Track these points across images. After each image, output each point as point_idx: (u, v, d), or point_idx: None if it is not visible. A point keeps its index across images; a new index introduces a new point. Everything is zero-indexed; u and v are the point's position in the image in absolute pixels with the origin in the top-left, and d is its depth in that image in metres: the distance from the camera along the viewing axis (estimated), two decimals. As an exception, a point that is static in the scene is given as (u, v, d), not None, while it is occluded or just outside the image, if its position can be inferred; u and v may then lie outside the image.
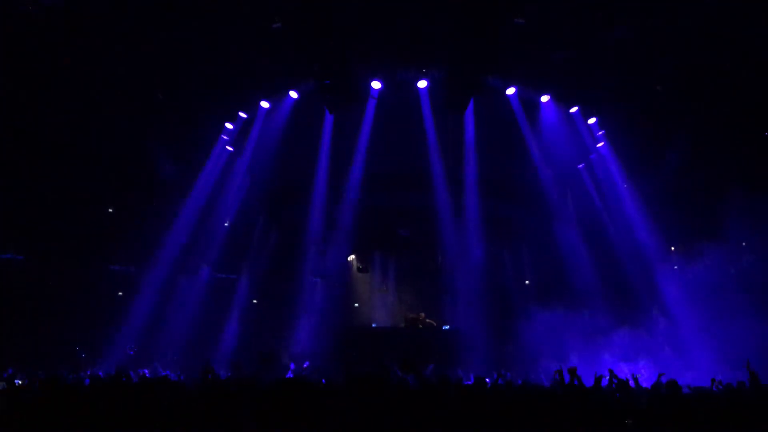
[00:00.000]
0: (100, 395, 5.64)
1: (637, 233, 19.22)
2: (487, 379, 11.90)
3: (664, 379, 10.86)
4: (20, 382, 11.75)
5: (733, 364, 10.35)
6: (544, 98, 18.55)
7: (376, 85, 18.39)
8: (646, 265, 18.65)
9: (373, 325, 19.38)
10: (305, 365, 15.35)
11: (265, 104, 19.01)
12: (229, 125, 19.42)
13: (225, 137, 19.54)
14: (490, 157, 19.71)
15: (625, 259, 19.33)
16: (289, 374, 14.40)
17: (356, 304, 22.56)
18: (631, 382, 11.11)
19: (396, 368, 8.41)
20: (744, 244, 16.58)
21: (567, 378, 8.10)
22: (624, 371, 13.77)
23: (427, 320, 19.42)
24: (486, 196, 20.08)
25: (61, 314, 19.09)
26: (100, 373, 13.30)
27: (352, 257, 22.67)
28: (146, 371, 14.31)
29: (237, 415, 5.30)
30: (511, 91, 18.41)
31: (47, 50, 15.70)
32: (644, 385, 11.05)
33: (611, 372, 9.03)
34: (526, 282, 21.13)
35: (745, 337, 14.93)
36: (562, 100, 18.65)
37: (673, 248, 18.92)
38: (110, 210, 21.35)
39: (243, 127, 19.41)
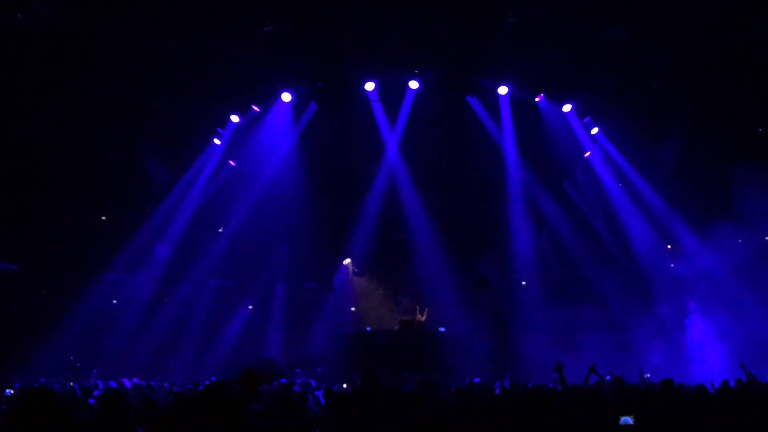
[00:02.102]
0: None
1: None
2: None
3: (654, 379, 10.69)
4: (11, 392, 11.51)
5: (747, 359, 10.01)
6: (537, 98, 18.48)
7: (369, 86, 18.29)
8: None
9: (368, 329, 19.21)
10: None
11: (255, 108, 18.93)
12: (220, 130, 19.33)
13: (217, 142, 19.44)
14: (485, 158, 19.61)
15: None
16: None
17: (352, 308, 22.42)
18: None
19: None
20: (739, 241, 16.29)
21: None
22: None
23: (422, 320, 19.26)
24: (482, 198, 19.97)
25: (55, 323, 18.95)
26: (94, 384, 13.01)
27: (347, 261, 22.54)
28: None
29: None
30: (503, 90, 18.31)
31: (37, 58, 15.66)
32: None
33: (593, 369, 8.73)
34: (523, 283, 21.00)
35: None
36: (555, 98, 18.55)
37: (669, 246, 18.75)
38: (104, 218, 21.25)
39: (235, 131, 19.30)
